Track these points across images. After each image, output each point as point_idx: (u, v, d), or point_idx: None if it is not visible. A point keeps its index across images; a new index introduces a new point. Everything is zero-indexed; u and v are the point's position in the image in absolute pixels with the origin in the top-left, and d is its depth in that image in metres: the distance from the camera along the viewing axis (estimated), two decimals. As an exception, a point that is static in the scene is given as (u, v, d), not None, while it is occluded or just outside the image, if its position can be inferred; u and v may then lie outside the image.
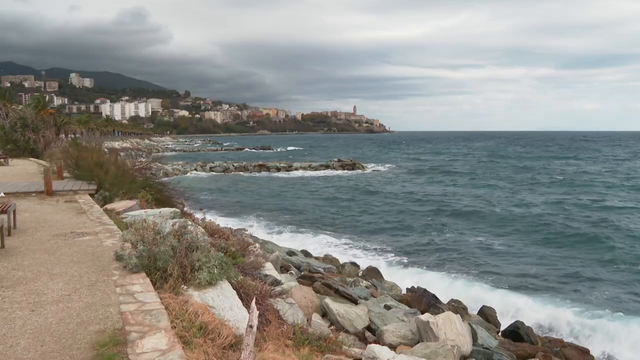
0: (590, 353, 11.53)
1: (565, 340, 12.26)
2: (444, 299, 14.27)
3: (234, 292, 6.21)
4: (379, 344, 8.30)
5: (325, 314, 9.46)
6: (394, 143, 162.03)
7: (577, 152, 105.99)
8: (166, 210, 11.06)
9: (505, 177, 51.45)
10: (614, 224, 26.10)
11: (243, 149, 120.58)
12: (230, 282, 6.34)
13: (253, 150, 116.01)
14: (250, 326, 4.62)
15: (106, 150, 29.19)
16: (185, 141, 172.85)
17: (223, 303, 5.79)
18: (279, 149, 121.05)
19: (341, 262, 18.41)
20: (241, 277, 7.11)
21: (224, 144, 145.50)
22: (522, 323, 12.47)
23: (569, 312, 14.33)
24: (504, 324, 12.99)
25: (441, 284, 16.52)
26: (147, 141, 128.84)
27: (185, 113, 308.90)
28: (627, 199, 35.91)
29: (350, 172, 59.95)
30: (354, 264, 17.97)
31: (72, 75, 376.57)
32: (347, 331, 9.14)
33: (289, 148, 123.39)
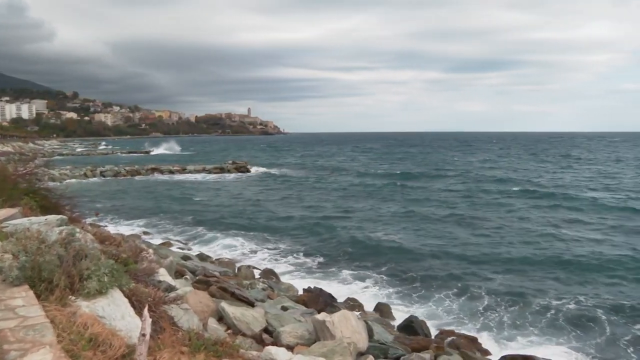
0: (479, 341, 12.21)
1: (456, 330, 12.88)
2: (340, 297, 14.55)
3: (126, 300, 6.00)
4: (277, 345, 8.32)
5: (221, 318, 9.36)
6: (287, 144, 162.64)
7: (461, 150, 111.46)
8: (52, 217, 10.48)
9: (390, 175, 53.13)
10: (485, 218, 27.81)
11: (114, 152, 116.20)
12: (122, 290, 6.11)
13: (133, 154, 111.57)
14: (143, 335, 4.48)
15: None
16: (75, 144, 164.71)
17: (114, 312, 5.57)
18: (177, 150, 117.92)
19: (237, 265, 18.31)
20: (133, 284, 6.87)
21: (99, 148, 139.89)
22: (416, 317, 12.95)
23: (456, 304, 15.14)
24: (399, 318, 13.42)
25: (338, 283, 16.86)
26: (31, 145, 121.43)
27: (73, 115, 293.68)
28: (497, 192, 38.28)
29: (244, 174, 59.62)
30: (250, 266, 17.90)
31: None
32: (244, 334, 9.08)
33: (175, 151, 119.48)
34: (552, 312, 14.33)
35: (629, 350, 12.28)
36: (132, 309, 5.95)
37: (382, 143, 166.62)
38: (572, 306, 14.78)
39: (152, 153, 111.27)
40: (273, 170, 63.29)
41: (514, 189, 40.33)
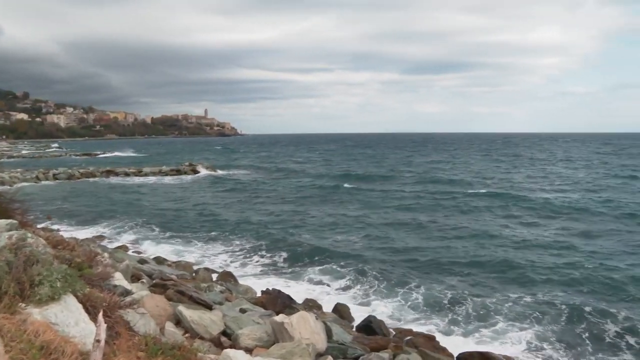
0: (436, 339, 12.39)
1: (414, 329, 13.05)
2: (299, 299, 14.56)
3: (80, 306, 5.88)
4: (235, 348, 8.27)
5: (179, 321, 9.25)
6: (244, 146, 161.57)
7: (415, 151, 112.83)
8: (2, 222, 10.19)
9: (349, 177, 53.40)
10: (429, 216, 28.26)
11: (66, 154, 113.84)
12: (76, 295, 5.98)
13: (101, 155, 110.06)
14: (98, 341, 4.41)
15: None
16: (25, 146, 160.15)
17: (67, 319, 5.45)
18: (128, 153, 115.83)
19: (195, 267, 18.14)
20: (88, 289, 6.74)
21: (50, 150, 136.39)
22: (375, 317, 13.04)
23: (414, 303, 15.36)
24: (358, 319, 13.50)
25: (296, 285, 16.89)
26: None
27: (24, 116, 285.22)
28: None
29: (200, 175, 59.06)
30: (208, 269, 17.78)
31: None
32: (202, 337, 9.00)
33: (130, 153, 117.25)
34: (507, 309, 14.67)
35: (585, 342, 12.69)
36: (86, 314, 5.84)
37: (339, 144, 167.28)
38: (527, 302, 15.17)
39: (102, 156, 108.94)
40: (228, 172, 62.84)
41: (469, 191, 40.99)
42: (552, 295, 15.66)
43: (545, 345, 12.56)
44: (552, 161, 78.57)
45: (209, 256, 20.96)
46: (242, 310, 11.85)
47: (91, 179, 54.36)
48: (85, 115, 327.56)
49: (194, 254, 21.31)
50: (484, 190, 39.29)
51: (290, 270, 18.90)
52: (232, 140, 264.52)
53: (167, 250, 21.86)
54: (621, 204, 32.35)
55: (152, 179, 55.10)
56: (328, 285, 17.06)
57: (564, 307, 14.67)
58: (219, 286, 14.73)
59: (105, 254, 12.33)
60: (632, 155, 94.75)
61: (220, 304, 12.08)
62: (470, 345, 12.31)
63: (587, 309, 14.44)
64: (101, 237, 23.77)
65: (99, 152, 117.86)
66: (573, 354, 12.15)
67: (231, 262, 20.11)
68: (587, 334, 13.10)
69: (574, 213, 29.40)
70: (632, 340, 12.73)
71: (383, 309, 14.82)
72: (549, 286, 16.55)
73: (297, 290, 15.81)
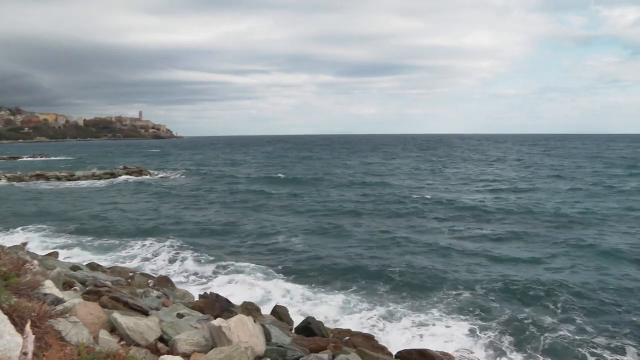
0: (375, 338, 12.54)
1: (353, 329, 13.16)
2: (238, 302, 14.46)
3: (5, 317, 5.65)
4: (172, 354, 8.14)
5: (114, 329, 9.01)
6: (179, 148, 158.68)
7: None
8: None
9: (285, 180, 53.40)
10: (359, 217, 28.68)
11: (18, 157, 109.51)
12: (0, 306, 5.75)
13: (30, 158, 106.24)
14: (25, 353, 4.24)
15: None
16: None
17: (-8, 331, 5.23)
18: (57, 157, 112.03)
19: (131, 273, 17.73)
20: (15, 299, 6.49)
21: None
22: (313, 318, 13.06)
23: (353, 303, 15.55)
24: (297, 320, 13.51)
25: (234, 288, 16.77)
26: None
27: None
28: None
29: (136, 178, 57.79)
30: (144, 274, 17.41)
31: None
32: (138, 344, 8.80)
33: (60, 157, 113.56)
34: (443, 307, 15.09)
35: (515, 337, 13.12)
36: (12, 326, 5.61)
37: (276, 146, 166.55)
38: (462, 300, 15.61)
39: (29, 159, 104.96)
40: (162, 175, 61.57)
41: (403, 193, 41.62)
42: (484, 294, 16.11)
43: (479, 341, 12.92)
44: (486, 162, 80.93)
45: (145, 261, 20.55)
46: (180, 315, 11.65)
47: (19, 184, 52.28)
48: (12, 117, 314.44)
49: (128, 259, 20.85)
50: (415, 196, 39.27)
51: (228, 273, 18.73)
52: (168, 142, 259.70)
53: (101, 256, 21.29)
54: (546, 205, 33.64)
55: (84, 183, 53.49)
56: (266, 287, 17.00)
57: (496, 304, 15.18)
58: (155, 291, 14.43)
59: (35, 262, 11.91)
60: (562, 156, 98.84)
61: (157, 309, 11.83)
62: (408, 343, 12.53)
63: (517, 306, 15.00)
64: (29, 244, 22.86)
65: (26, 156, 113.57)
66: (505, 348, 12.55)
67: (168, 266, 19.78)
68: (518, 329, 13.56)
69: (505, 214, 30.09)
70: (551, 335, 13.29)
71: (322, 310, 14.91)
72: (481, 285, 16.98)
73: (236, 294, 15.71)
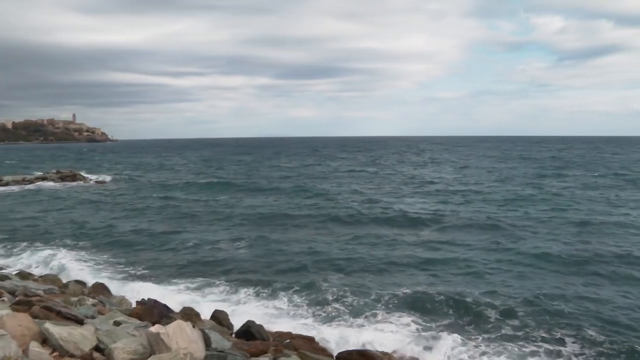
0: (316, 340, 12.59)
1: (294, 332, 13.17)
2: (177, 308, 14.24)
3: None
4: (109, 363, 7.92)
5: (45, 340, 8.70)
6: (113, 153, 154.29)
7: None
8: None
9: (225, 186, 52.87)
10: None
11: None
12: None
13: None
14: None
15: None
16: None
17: None
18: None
19: (64, 281, 17.18)
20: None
21: None
22: (253, 322, 13.00)
23: (293, 306, 15.63)
24: (237, 324, 13.41)
25: (173, 294, 16.52)
26: None
27: None
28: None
29: (71, 183, 55.99)
30: (78, 281, 16.90)
31: None
32: (72, 355, 8.53)
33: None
34: (383, 307, 15.27)
35: (464, 332, 13.50)
36: None
37: (213, 150, 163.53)
38: (401, 299, 15.85)
39: None
40: (94, 180, 59.53)
41: (337, 196, 41.81)
42: (423, 295, 16.26)
43: (420, 340, 13.12)
44: (421, 163, 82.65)
45: (77, 269, 19.81)
46: (117, 323, 11.35)
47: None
48: None
49: (62, 266, 20.11)
50: (353, 200, 38.91)
51: (166, 279, 18.43)
52: (103, 146, 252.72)
53: (32, 263, 20.61)
54: (480, 208, 34.56)
55: (14, 188, 51.31)
56: (206, 292, 16.84)
57: (435, 305, 15.44)
58: (91, 299, 14.01)
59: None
60: (497, 157, 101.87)
61: (93, 317, 11.50)
62: (349, 344, 12.61)
63: (455, 307, 15.21)
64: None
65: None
66: (445, 347, 12.79)
67: (103, 273, 19.24)
68: (457, 328, 13.89)
69: (439, 217, 30.19)
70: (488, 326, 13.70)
71: (262, 313, 14.87)
72: (421, 287, 17.18)
73: (174, 299, 15.44)
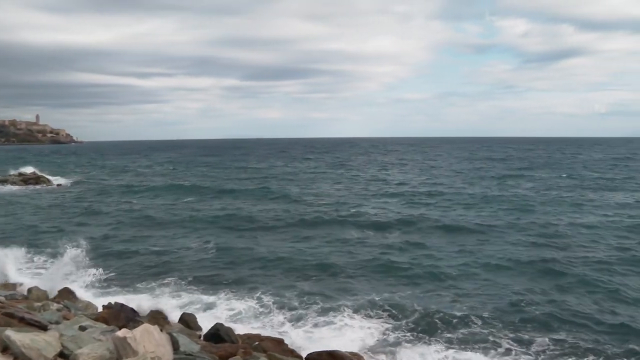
0: (285, 342, 12.57)
1: (263, 334, 13.12)
2: (144, 311, 14.08)
3: None
4: (74, 369, 7.78)
5: (6, 348, 8.50)
6: (76, 155, 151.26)
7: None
8: None
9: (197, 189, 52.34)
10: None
11: None
12: None
13: None
14: None
15: None
16: None
17: None
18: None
19: (28, 286, 16.79)
20: None
21: None
22: (222, 324, 12.91)
23: (261, 307, 15.61)
24: (205, 327, 13.30)
25: (140, 297, 16.33)
26: None
27: None
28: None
29: (35, 186, 54.74)
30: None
31: None
32: (36, 362, 8.35)
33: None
34: (351, 308, 15.36)
35: (434, 332, 13.74)
36: None
37: (180, 152, 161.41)
38: (370, 300, 15.97)
39: None
40: (59, 182, 58.40)
41: (305, 198, 41.76)
42: (392, 296, 16.45)
43: (389, 340, 13.27)
44: (387, 165, 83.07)
45: (37, 275, 19.34)
46: (82, 328, 11.15)
47: None
48: None
49: (26, 271, 19.67)
50: (320, 201, 38.87)
51: (132, 282, 18.21)
52: (68, 148, 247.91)
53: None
54: (447, 211, 34.97)
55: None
56: (173, 295, 16.66)
57: (404, 304, 15.61)
58: (55, 304, 13.74)
59: None
60: (463, 157, 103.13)
61: (57, 323, 11.28)
62: (318, 345, 12.62)
63: (423, 308, 15.34)
64: None
65: None
66: (413, 346, 12.93)
67: (68, 277, 18.83)
68: (426, 329, 14.04)
69: (406, 219, 30.22)
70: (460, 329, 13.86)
71: (230, 315, 14.82)
72: (389, 288, 17.39)
73: (142, 302, 15.27)
